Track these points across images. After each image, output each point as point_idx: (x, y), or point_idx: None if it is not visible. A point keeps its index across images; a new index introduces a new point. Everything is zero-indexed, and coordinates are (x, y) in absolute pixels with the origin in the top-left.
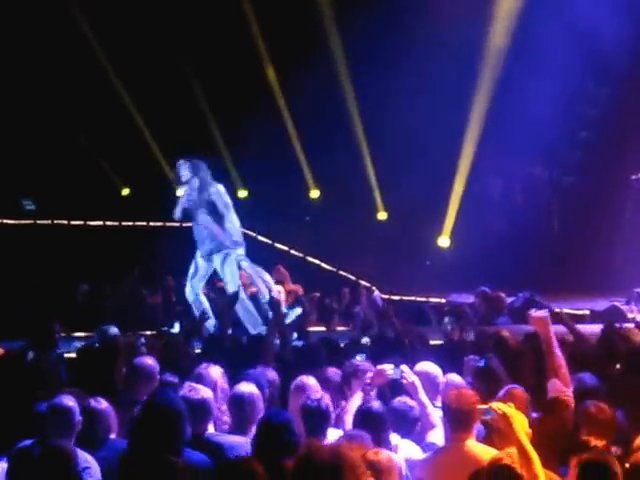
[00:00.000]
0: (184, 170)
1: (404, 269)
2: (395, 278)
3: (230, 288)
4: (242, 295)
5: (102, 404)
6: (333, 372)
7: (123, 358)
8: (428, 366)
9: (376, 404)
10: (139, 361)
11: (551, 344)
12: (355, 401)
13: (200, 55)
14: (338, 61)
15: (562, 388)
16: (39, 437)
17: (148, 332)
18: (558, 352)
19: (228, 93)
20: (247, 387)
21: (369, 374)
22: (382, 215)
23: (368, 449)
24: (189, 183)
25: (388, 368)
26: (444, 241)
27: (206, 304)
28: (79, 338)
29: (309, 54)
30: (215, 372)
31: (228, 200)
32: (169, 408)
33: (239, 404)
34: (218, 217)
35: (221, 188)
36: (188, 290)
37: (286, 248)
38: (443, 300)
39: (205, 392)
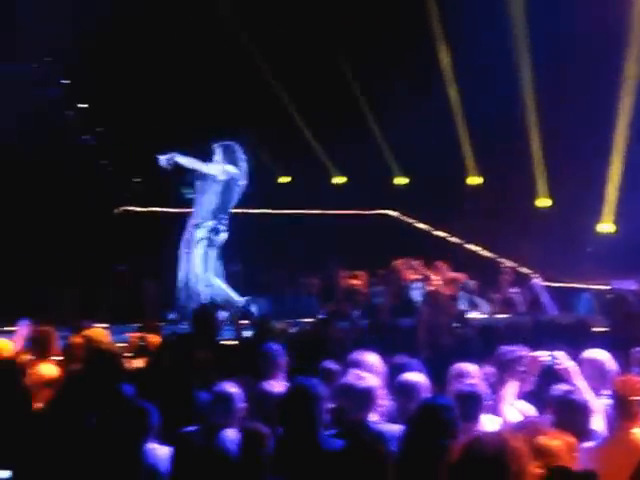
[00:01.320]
0: (216, 154)
1: (564, 255)
2: (555, 265)
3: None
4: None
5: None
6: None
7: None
8: (595, 353)
9: (577, 394)
10: (265, 346)
11: None
12: (510, 389)
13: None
14: (517, 45)
15: None
16: (202, 423)
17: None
18: None
19: (380, 75)
20: (416, 376)
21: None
22: (543, 201)
23: (541, 435)
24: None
25: (543, 355)
26: (605, 227)
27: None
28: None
29: (483, 33)
30: (372, 359)
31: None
32: (310, 392)
33: (407, 392)
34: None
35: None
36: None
37: (444, 235)
38: (605, 287)
39: (371, 380)
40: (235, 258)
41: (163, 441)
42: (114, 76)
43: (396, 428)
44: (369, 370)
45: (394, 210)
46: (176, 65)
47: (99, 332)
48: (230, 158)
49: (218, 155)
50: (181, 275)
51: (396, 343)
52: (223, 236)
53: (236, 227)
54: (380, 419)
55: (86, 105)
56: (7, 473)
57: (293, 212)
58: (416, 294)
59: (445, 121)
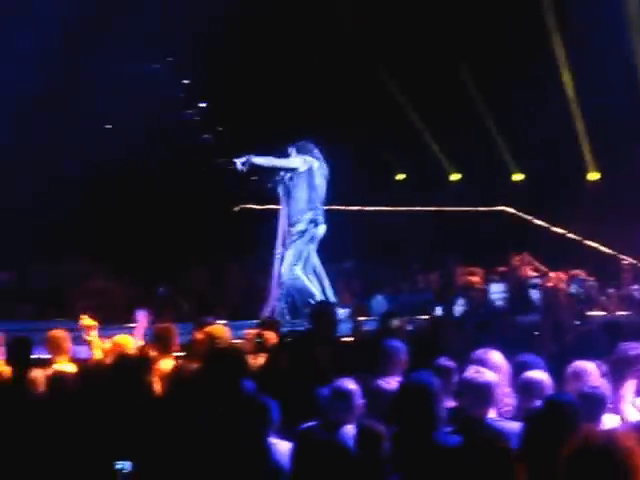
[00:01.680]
0: (292, 154)
1: None
2: None
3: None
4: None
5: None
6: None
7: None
8: None
9: None
10: (387, 344)
11: None
12: (630, 387)
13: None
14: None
15: None
16: (321, 420)
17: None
18: None
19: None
20: (540, 374)
21: None
22: None
23: None
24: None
25: None
26: None
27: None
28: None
29: (600, 27)
30: (496, 357)
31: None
32: (425, 389)
33: (530, 390)
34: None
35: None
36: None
37: (563, 231)
38: None
39: (490, 376)
40: (348, 255)
41: (284, 437)
42: (233, 75)
43: (516, 425)
44: (492, 368)
45: (511, 207)
46: (295, 64)
47: (220, 329)
48: (303, 149)
49: (293, 155)
50: (277, 274)
51: (516, 340)
52: (322, 228)
53: (352, 224)
54: (500, 417)
55: (205, 104)
56: (128, 464)
57: (409, 209)
58: (534, 291)
59: (562, 116)
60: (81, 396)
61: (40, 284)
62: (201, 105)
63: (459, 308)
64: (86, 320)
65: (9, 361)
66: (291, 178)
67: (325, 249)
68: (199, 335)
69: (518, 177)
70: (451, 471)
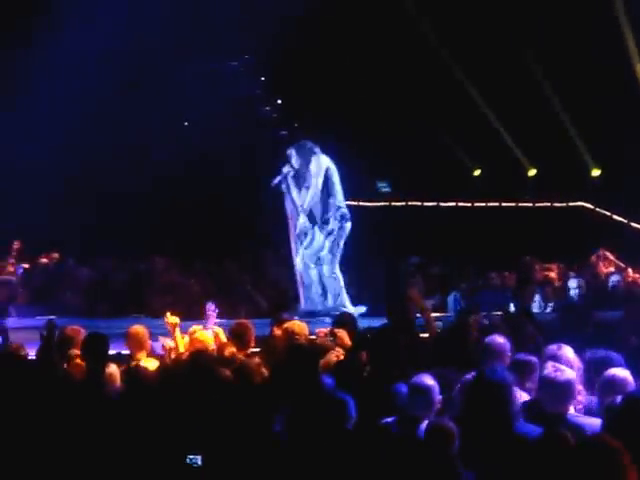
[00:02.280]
0: (292, 157)
1: None
2: None
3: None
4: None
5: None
6: None
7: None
8: None
9: None
10: (491, 339)
11: None
12: None
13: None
14: None
15: None
16: (400, 415)
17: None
18: None
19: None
20: (622, 371)
21: None
22: None
23: None
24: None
25: None
26: None
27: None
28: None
29: None
30: (569, 353)
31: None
32: (499, 385)
33: (612, 387)
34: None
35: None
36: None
37: None
38: None
39: (570, 373)
40: (414, 252)
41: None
42: (309, 73)
43: (597, 422)
44: (565, 364)
45: (589, 203)
46: (369, 61)
47: (299, 325)
48: (305, 155)
49: (294, 158)
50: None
51: (595, 336)
52: (348, 225)
53: (427, 220)
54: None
55: (280, 101)
56: (199, 458)
57: (486, 205)
58: (613, 287)
59: (638, 110)
60: (158, 391)
61: (119, 282)
62: (278, 102)
63: (535, 304)
64: (170, 317)
65: (84, 356)
66: (303, 177)
67: (395, 244)
68: (278, 331)
69: (596, 172)
70: (529, 465)
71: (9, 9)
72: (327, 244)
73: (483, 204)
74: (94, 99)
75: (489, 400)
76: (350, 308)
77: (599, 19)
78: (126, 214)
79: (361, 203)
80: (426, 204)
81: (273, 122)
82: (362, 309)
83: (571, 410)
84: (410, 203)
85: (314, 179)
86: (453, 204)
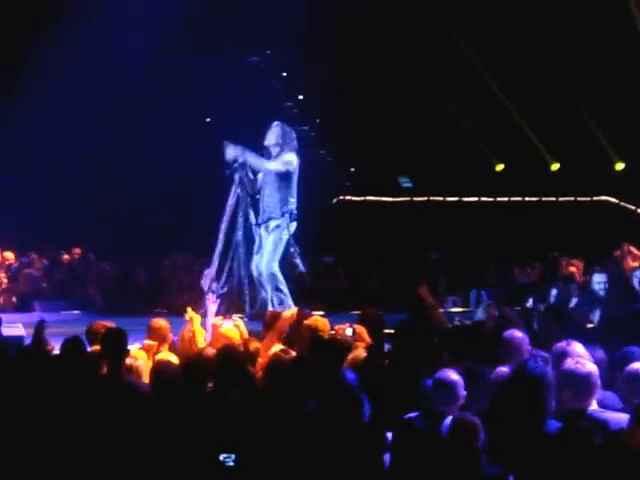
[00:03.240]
0: (272, 132)
1: None
2: None
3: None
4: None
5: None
6: None
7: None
8: None
9: None
10: (510, 334)
11: None
12: None
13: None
14: None
15: None
16: (424, 410)
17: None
18: None
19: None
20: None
21: None
22: None
23: None
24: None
25: None
26: None
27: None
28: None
29: None
30: (579, 348)
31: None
32: (540, 379)
33: (633, 382)
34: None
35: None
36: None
37: None
38: None
39: (591, 367)
40: (431, 248)
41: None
42: (332, 68)
43: (623, 417)
44: None
45: (614, 197)
46: (391, 56)
47: (322, 321)
48: (289, 142)
49: (274, 134)
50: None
51: (616, 330)
52: (293, 226)
53: (448, 215)
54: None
55: (302, 97)
56: (232, 456)
57: (509, 200)
58: (637, 282)
59: None
60: (185, 386)
61: (141, 278)
62: (299, 97)
63: (553, 299)
64: (190, 313)
65: (103, 353)
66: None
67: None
68: (301, 327)
69: (620, 166)
70: (553, 459)
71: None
72: (271, 240)
73: (506, 199)
74: (116, 95)
75: (530, 394)
76: (292, 307)
77: (620, 12)
78: (145, 211)
79: (383, 198)
80: (448, 199)
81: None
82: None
83: (594, 405)
84: (432, 198)
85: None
86: (475, 199)
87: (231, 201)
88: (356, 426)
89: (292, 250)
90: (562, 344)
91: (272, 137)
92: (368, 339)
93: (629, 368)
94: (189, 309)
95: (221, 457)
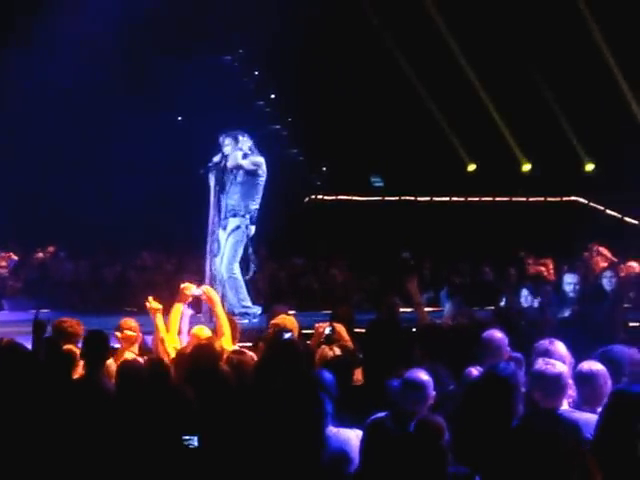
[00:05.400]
0: (226, 144)
1: None
2: None
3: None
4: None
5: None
6: None
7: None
8: None
9: None
10: (489, 334)
11: None
12: None
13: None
14: None
15: None
16: (393, 410)
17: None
18: None
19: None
20: (595, 365)
21: None
22: None
23: None
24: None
25: None
26: None
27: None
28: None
29: None
30: (561, 348)
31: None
32: (510, 380)
33: (585, 380)
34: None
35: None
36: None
37: (637, 222)
38: None
39: (561, 367)
40: (403, 247)
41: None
42: (304, 66)
43: (592, 417)
44: (558, 359)
45: (584, 197)
46: (362, 55)
47: (290, 320)
48: (241, 148)
49: (229, 147)
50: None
51: (587, 331)
52: (253, 229)
53: (420, 215)
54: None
55: (274, 96)
56: (195, 439)
57: (480, 200)
58: (607, 282)
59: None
60: (152, 383)
61: (110, 277)
62: (271, 96)
63: (523, 299)
64: (152, 302)
65: (84, 355)
66: (237, 170)
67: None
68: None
69: (590, 167)
70: (525, 461)
71: None
72: (230, 242)
73: (477, 199)
74: (87, 94)
75: (498, 395)
76: (253, 308)
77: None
78: (119, 209)
79: (354, 197)
80: (420, 199)
81: (266, 116)
82: (258, 310)
83: (565, 405)
84: (403, 198)
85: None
86: (447, 199)
87: (212, 211)
88: (315, 428)
89: (249, 252)
90: (545, 342)
91: (231, 150)
92: (347, 337)
93: (581, 368)
94: (150, 298)
95: (185, 440)
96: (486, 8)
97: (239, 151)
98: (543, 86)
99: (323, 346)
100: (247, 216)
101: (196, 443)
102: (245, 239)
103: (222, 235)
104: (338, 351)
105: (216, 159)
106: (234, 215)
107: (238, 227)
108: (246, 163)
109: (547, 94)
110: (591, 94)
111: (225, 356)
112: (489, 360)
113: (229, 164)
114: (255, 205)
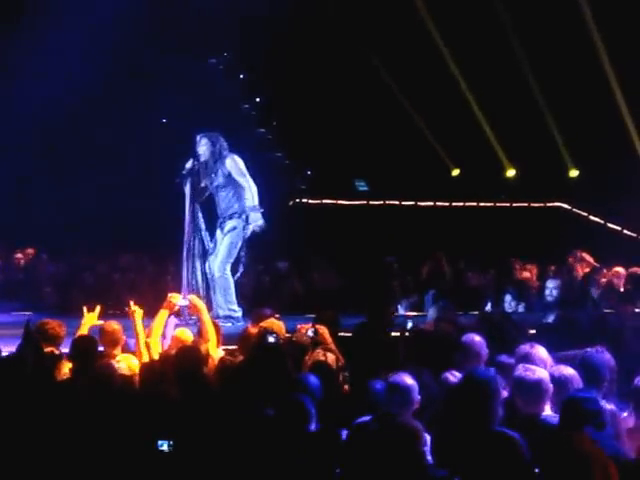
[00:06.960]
0: (202, 144)
1: None
2: None
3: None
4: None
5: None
6: None
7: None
8: None
9: None
10: (469, 338)
11: None
12: None
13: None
14: None
15: None
16: (377, 413)
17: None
18: None
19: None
20: (566, 370)
21: None
22: None
23: None
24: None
25: None
26: None
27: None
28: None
29: None
30: (542, 352)
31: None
32: (489, 384)
33: (556, 385)
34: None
35: (237, 158)
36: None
37: (619, 228)
38: None
39: (541, 373)
40: (387, 251)
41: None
42: (289, 70)
43: None
44: (537, 363)
45: (568, 203)
46: (348, 59)
47: (277, 324)
48: (219, 150)
49: (205, 146)
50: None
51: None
52: (249, 229)
53: (404, 219)
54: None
55: (259, 99)
56: (167, 443)
57: (464, 205)
58: (590, 287)
59: (614, 113)
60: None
61: (91, 279)
62: (257, 100)
63: (507, 304)
64: (133, 306)
65: (71, 358)
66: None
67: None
68: (253, 329)
69: (574, 173)
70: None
71: None
72: (226, 242)
73: (461, 204)
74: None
75: (477, 399)
76: (238, 312)
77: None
78: (98, 211)
79: (339, 202)
80: (404, 203)
81: (252, 119)
82: (240, 312)
83: (547, 410)
84: (388, 202)
85: (240, 178)
86: (431, 204)
87: (188, 217)
88: (299, 433)
89: (242, 254)
90: (525, 347)
91: (205, 151)
92: (330, 339)
93: (553, 371)
94: (131, 302)
95: (158, 444)
96: (472, 13)
97: (225, 157)
98: (527, 91)
99: (318, 350)
100: (243, 216)
101: (166, 448)
102: (241, 241)
103: (219, 235)
104: (331, 356)
105: (188, 165)
106: (231, 217)
107: (235, 228)
108: (228, 164)
109: (531, 99)
110: (575, 99)
111: (219, 358)
112: (469, 364)
113: (209, 167)
114: (247, 200)
